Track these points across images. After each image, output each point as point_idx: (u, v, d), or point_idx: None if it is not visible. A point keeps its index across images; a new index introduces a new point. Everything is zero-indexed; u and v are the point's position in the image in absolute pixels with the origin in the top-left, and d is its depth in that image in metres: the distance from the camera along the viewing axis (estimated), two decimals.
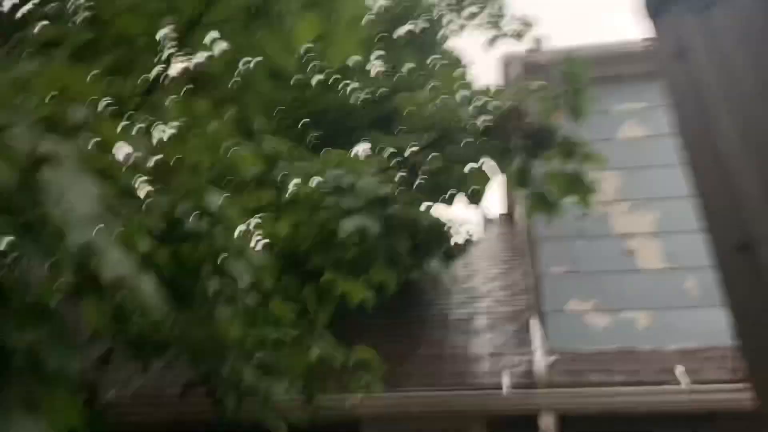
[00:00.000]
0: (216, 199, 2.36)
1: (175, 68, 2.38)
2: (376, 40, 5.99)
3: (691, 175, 1.33)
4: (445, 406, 4.66)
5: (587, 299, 5.38)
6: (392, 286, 3.06)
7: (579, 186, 2.90)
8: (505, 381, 4.65)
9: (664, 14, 1.41)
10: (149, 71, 2.32)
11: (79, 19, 1.92)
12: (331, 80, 5.67)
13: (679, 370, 4.59)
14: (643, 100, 6.02)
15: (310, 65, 6.09)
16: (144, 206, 1.86)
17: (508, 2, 7.90)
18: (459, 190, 3.55)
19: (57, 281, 1.41)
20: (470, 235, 4.89)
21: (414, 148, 3.21)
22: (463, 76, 3.11)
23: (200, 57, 2.28)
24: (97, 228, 1.17)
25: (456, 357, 5.14)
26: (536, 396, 4.61)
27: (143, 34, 2.08)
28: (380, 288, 3.97)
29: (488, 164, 3.18)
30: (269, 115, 5.69)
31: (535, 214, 3.07)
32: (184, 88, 2.23)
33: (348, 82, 6.04)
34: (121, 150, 2.13)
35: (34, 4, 2.04)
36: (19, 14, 2.04)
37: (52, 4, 2.02)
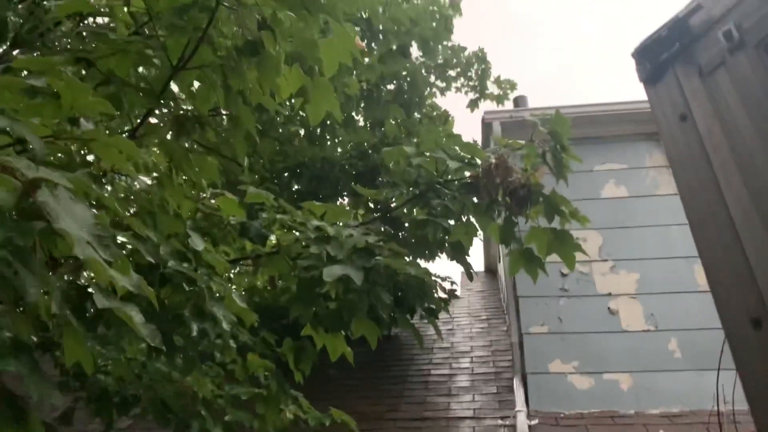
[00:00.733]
0: (199, 242, 2.30)
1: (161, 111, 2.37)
2: (360, 96, 6.10)
3: (698, 242, 1.27)
4: None
5: (570, 360, 5.30)
6: (374, 341, 2.97)
7: (562, 243, 2.87)
8: None
9: (664, 78, 1.39)
10: (136, 111, 2.30)
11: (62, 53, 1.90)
12: (315, 134, 5.73)
13: None
14: (625, 160, 6.14)
15: (293, 118, 6.16)
16: (130, 245, 1.80)
17: (490, 65, 8.17)
18: (442, 245, 3.52)
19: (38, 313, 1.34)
20: (452, 291, 4.84)
21: (397, 202, 3.19)
22: (447, 131, 3.12)
23: (186, 100, 2.27)
24: (98, 247, 1.13)
25: (437, 420, 4.99)
26: None
27: (129, 74, 2.07)
28: (360, 343, 3.88)
29: (471, 219, 3.16)
30: (252, 167, 5.70)
31: (518, 271, 3.02)
32: (169, 131, 2.20)
33: (329, 137, 6.11)
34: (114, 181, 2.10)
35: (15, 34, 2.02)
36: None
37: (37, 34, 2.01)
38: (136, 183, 2.20)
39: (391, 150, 3.02)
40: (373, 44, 6.62)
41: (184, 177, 2.62)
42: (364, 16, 6.55)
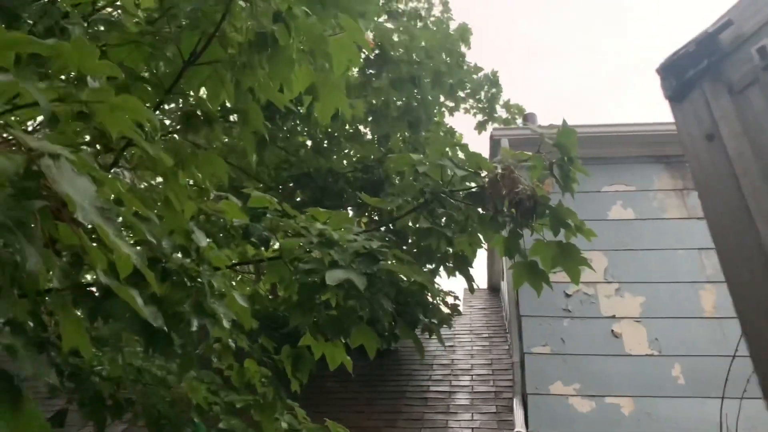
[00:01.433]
0: (202, 238, 2.28)
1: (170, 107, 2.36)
2: (367, 112, 6.11)
3: (725, 267, 1.21)
4: None
5: (571, 382, 5.23)
6: (372, 350, 2.93)
7: (568, 257, 2.84)
8: None
9: (691, 96, 1.34)
10: (144, 102, 2.29)
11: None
12: (322, 145, 5.74)
13: None
14: (633, 182, 6.12)
15: (300, 130, 6.18)
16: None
17: (501, 89, 8.19)
18: (445, 256, 3.48)
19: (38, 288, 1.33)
20: (455, 306, 4.79)
21: (401, 211, 3.16)
22: (453, 142, 3.11)
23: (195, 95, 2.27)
24: (101, 219, 1.11)
25: None
26: None
27: (140, 67, 2.07)
28: (359, 357, 3.83)
29: (476, 231, 3.13)
30: (258, 175, 5.71)
31: (522, 284, 2.98)
32: (178, 126, 2.19)
33: (336, 149, 6.12)
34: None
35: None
36: None
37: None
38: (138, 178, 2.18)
39: (397, 157, 3.00)
40: (383, 72, 6.63)
41: (189, 181, 2.61)
42: (378, 43, 6.61)
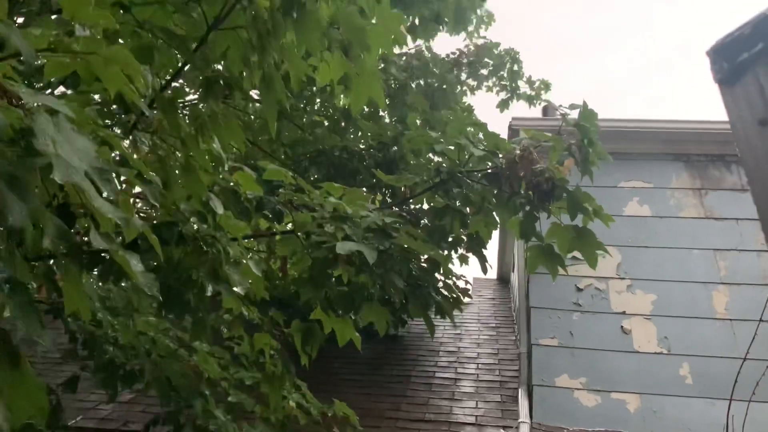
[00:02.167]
0: (219, 205, 2.28)
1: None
2: (387, 94, 6.07)
3: None
4: None
5: (577, 376, 5.20)
6: (382, 328, 2.92)
7: (585, 242, 2.81)
8: None
9: (743, 80, 1.30)
10: (166, 67, 2.29)
11: None
12: (339, 124, 5.72)
13: None
14: (651, 179, 6.05)
15: (317, 108, 6.15)
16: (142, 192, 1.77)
17: (522, 64, 7.99)
18: (458, 240, 3.47)
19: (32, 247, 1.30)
20: (466, 290, 4.77)
21: (417, 189, 3.15)
22: (473, 121, 3.08)
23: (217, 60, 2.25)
24: (98, 180, 1.09)
25: (438, 423, 4.91)
26: None
27: (162, 27, 2.06)
28: (367, 339, 3.81)
29: (492, 211, 3.11)
30: (274, 152, 5.70)
31: (537, 267, 2.96)
32: (200, 91, 2.18)
33: (352, 128, 6.09)
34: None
35: None
36: None
37: None
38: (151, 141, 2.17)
39: (414, 134, 2.98)
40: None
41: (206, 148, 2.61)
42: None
